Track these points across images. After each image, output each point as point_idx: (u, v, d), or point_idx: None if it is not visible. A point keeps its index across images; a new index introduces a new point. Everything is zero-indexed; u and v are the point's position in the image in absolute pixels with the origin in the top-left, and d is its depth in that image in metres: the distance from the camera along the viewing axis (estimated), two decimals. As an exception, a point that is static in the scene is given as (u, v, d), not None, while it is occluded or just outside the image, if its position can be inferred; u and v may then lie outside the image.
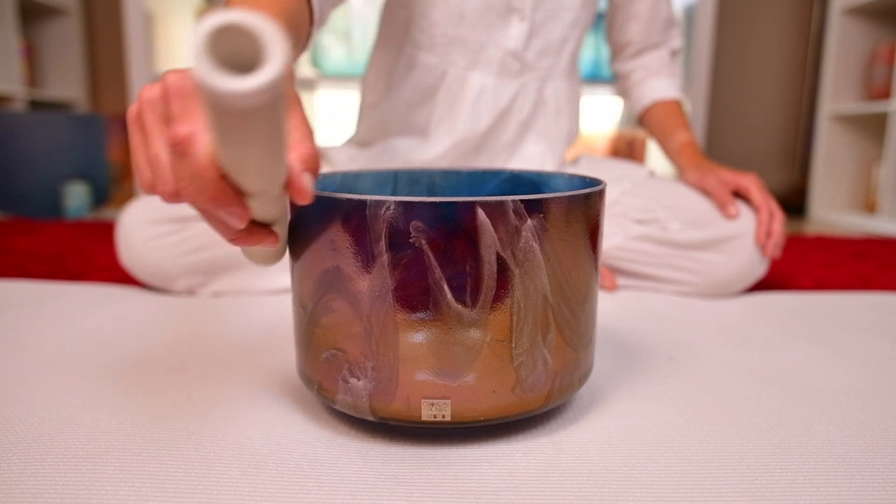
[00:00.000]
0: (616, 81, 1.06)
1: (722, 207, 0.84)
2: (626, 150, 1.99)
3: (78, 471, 0.40)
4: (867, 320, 0.77)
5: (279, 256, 0.46)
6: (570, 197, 0.42)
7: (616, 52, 1.03)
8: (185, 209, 0.81)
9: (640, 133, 1.98)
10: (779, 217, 0.83)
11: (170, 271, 0.81)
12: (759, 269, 0.85)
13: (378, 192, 0.59)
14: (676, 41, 1.01)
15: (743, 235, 0.83)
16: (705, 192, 0.87)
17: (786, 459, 0.43)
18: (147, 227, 0.80)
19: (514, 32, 0.86)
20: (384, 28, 0.92)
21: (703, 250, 0.85)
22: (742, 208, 0.85)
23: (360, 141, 0.97)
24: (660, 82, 0.99)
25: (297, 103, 0.39)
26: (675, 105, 0.98)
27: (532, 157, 0.93)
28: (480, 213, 0.39)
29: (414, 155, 0.90)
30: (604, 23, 1.05)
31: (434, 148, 0.89)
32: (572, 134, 0.99)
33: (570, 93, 0.96)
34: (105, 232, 1.37)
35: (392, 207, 0.39)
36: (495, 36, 0.86)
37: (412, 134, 0.91)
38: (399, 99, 0.91)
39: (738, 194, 0.86)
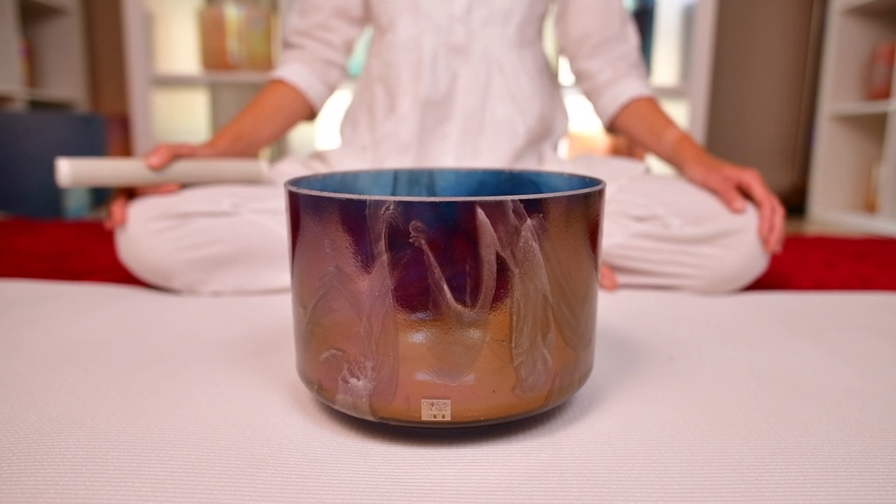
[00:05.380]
0: (579, 81, 1.01)
1: (728, 203, 0.84)
2: (627, 150, 1.99)
3: (78, 471, 0.40)
4: (867, 320, 0.77)
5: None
6: (569, 197, 0.42)
7: (573, 49, 0.99)
8: (185, 205, 0.81)
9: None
10: (780, 212, 0.84)
11: (169, 267, 0.81)
12: (761, 264, 0.85)
13: (377, 192, 0.59)
14: (635, 39, 0.98)
15: (744, 230, 0.84)
16: (711, 191, 0.87)
17: (786, 459, 0.43)
18: (147, 222, 0.80)
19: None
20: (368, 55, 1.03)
21: (704, 245, 0.85)
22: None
23: (345, 142, 1.03)
24: (633, 82, 0.96)
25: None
26: (655, 102, 0.96)
27: (501, 118, 0.95)
28: (480, 212, 0.39)
29: (382, 122, 0.96)
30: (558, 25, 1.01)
31: (399, 111, 0.94)
32: (548, 115, 0.99)
33: (532, 64, 0.97)
34: (105, 232, 1.37)
35: (391, 207, 0.39)
36: (440, 3, 0.93)
37: (381, 107, 0.97)
38: (370, 82, 0.99)
39: (740, 190, 0.87)
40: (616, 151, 2.01)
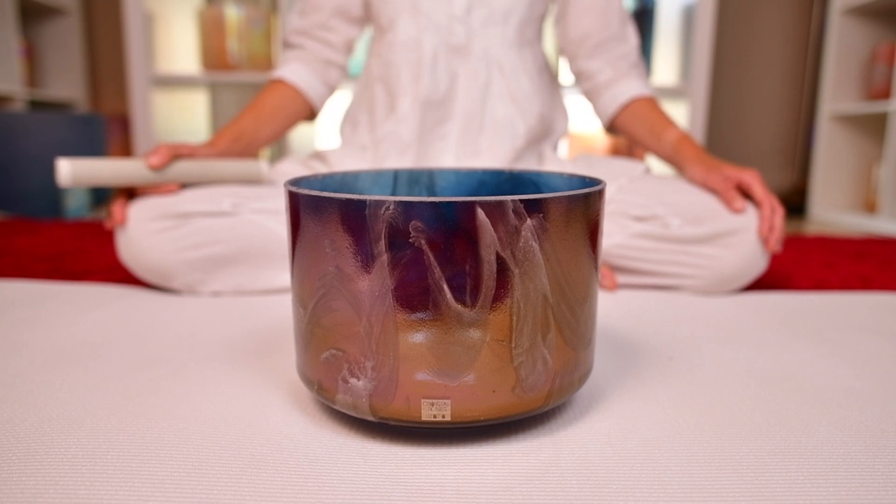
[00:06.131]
0: (579, 81, 1.01)
1: (729, 203, 0.84)
2: (627, 150, 1.99)
3: (78, 471, 0.40)
4: (867, 320, 0.77)
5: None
6: (569, 197, 0.42)
7: (573, 49, 0.99)
8: (185, 205, 0.81)
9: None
10: (780, 212, 0.84)
11: (169, 267, 0.81)
12: (761, 264, 0.85)
13: (377, 192, 0.59)
14: (635, 39, 0.98)
15: (744, 230, 0.84)
16: (711, 190, 0.87)
17: (786, 459, 0.43)
18: (147, 222, 0.80)
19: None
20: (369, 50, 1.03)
21: (704, 245, 0.85)
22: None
23: (345, 142, 1.03)
24: (633, 82, 0.96)
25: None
26: (655, 102, 0.96)
27: (501, 118, 0.95)
28: (480, 212, 0.39)
29: (382, 122, 0.96)
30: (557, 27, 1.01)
31: (399, 111, 0.94)
32: (548, 115, 0.99)
33: (532, 64, 0.97)
34: (105, 232, 1.37)
35: (391, 207, 0.39)
36: (440, 3, 0.93)
37: (381, 107, 0.97)
38: (370, 82, 0.99)
39: (740, 189, 0.87)
40: (616, 151, 2.01)
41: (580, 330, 0.45)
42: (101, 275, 0.96)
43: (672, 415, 0.50)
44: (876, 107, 1.78)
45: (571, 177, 0.54)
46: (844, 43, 1.93)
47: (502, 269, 0.40)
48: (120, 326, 0.70)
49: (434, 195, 0.60)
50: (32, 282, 0.90)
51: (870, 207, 1.96)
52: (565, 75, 1.89)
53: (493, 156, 0.95)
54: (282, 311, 0.77)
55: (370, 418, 0.43)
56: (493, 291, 0.40)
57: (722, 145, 2.25)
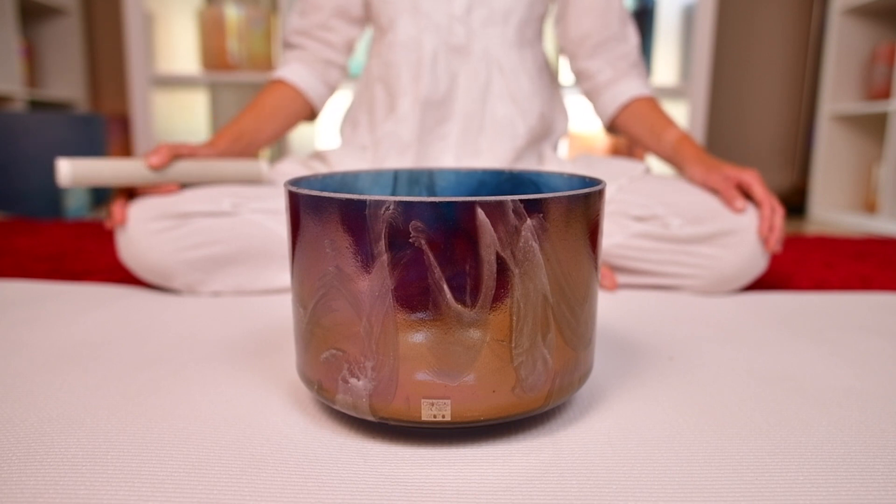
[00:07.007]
0: (579, 81, 1.01)
1: (729, 202, 0.84)
2: (627, 150, 1.99)
3: (78, 471, 0.40)
4: (867, 320, 0.77)
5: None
6: (569, 197, 0.42)
7: (573, 49, 0.99)
8: (185, 205, 0.81)
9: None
10: (780, 212, 0.84)
11: (169, 267, 0.81)
12: (761, 264, 0.85)
13: (377, 192, 0.59)
14: (635, 39, 0.98)
15: (744, 230, 0.84)
16: (711, 190, 0.87)
17: (786, 459, 0.43)
18: (147, 222, 0.80)
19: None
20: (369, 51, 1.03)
21: (704, 244, 0.85)
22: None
23: (345, 142, 1.03)
24: (633, 81, 0.96)
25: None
26: (655, 102, 0.96)
27: (501, 118, 0.95)
28: (480, 212, 0.39)
29: (382, 122, 0.96)
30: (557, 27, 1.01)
31: (399, 111, 0.94)
32: (548, 115, 0.99)
33: (532, 64, 0.97)
34: (105, 232, 1.37)
35: (391, 207, 0.39)
36: (440, 3, 0.92)
37: (381, 107, 0.98)
38: (370, 82, 0.99)
39: (740, 189, 0.87)
40: (616, 151, 2.01)
41: (580, 330, 0.45)
42: (101, 275, 0.96)
43: (672, 415, 0.50)
44: (876, 107, 1.78)
45: (571, 177, 0.54)
46: (844, 43, 1.93)
47: (502, 269, 0.40)
48: (120, 326, 0.70)
49: (434, 195, 0.60)
50: (32, 282, 0.90)
51: (870, 207, 1.96)
52: (565, 75, 1.89)
53: (493, 156, 0.95)
54: (282, 311, 0.77)
55: (370, 418, 0.43)
56: (493, 291, 0.40)
57: (722, 145, 2.25)
